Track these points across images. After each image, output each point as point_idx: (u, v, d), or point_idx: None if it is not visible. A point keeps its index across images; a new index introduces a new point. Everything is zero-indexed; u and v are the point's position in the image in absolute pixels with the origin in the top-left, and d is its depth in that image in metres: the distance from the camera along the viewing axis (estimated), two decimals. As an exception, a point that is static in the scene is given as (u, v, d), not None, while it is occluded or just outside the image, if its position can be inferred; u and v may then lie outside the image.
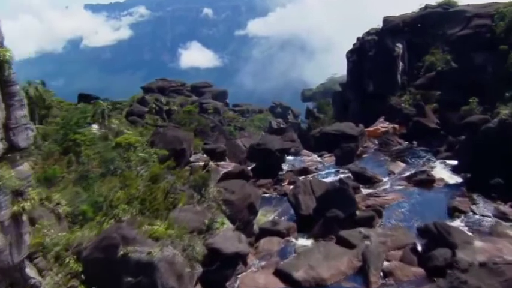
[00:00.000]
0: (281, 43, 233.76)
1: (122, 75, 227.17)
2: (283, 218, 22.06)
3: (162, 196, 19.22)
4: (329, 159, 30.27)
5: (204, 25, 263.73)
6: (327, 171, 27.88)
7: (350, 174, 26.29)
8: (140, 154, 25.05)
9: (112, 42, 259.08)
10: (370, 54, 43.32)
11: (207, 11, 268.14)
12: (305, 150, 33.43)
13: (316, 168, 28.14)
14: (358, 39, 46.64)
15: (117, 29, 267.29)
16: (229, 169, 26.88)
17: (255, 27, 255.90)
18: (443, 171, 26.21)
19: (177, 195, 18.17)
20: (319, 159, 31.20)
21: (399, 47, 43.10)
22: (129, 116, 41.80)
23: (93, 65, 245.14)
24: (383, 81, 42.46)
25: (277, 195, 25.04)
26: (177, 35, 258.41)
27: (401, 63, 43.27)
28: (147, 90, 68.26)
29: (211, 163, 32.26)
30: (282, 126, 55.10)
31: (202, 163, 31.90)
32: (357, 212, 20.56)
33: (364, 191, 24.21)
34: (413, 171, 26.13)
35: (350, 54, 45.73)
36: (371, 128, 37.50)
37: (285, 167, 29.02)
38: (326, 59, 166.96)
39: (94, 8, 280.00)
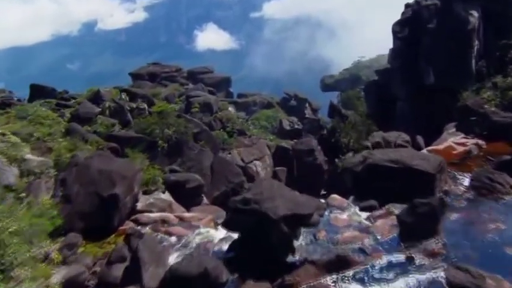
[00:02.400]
0: (298, 24, 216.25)
1: (137, 58, 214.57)
2: None
3: None
4: (384, 222, 15.07)
5: (219, 7, 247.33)
6: (386, 259, 12.94)
7: (443, 275, 11.61)
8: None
9: (127, 25, 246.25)
10: (431, 26, 27.39)
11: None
12: (335, 196, 16.85)
13: (362, 249, 13.28)
14: (407, 5, 30.70)
15: (132, 12, 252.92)
16: (183, 266, 12.20)
17: (271, 8, 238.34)
18: None
19: None
20: (363, 218, 16.04)
21: (474, 17, 27.23)
22: (74, 120, 27.63)
23: (108, 48, 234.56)
24: (450, 67, 26.84)
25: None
26: (192, 17, 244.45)
27: (476, 42, 27.58)
28: (135, 76, 54.67)
29: (171, 213, 17.78)
30: (296, 127, 40.17)
31: (157, 215, 17.58)
32: None
33: None
34: None
35: (399, 28, 29.54)
36: (439, 146, 22.05)
37: (298, 241, 14.40)
38: (349, 40, 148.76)
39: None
